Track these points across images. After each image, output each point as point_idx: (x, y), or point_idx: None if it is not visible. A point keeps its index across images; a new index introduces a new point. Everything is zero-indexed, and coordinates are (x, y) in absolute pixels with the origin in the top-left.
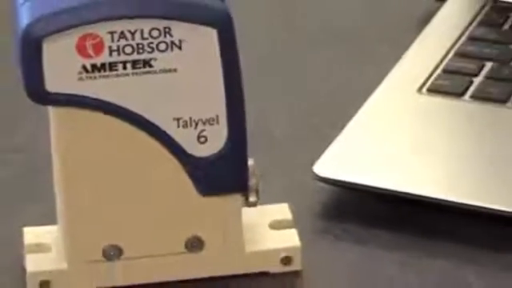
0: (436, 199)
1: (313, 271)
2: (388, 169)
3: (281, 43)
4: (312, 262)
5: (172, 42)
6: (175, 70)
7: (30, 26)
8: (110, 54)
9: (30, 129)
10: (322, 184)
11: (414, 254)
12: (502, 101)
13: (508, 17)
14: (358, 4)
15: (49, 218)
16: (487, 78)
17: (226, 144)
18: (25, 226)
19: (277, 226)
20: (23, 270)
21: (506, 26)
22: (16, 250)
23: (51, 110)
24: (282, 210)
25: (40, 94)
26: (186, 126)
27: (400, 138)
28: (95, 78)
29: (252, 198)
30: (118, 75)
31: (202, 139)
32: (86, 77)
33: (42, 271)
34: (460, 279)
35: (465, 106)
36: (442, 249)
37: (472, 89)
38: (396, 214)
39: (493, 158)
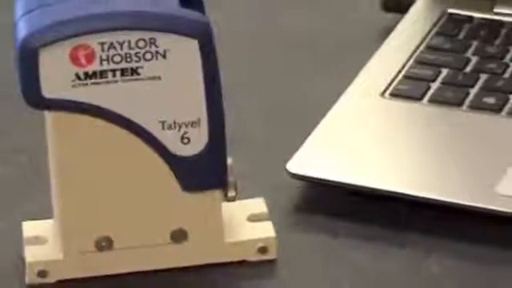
0: (399, 193)
1: (286, 260)
2: (355, 166)
3: (258, 52)
4: (286, 252)
5: (157, 52)
6: (160, 78)
7: (27, 37)
8: (101, 63)
9: (29, 130)
10: (294, 181)
11: (381, 245)
12: (457, 104)
13: (462, 27)
14: (327, 18)
15: (45, 213)
16: (443, 83)
17: (207, 144)
18: (24, 220)
19: (254, 218)
20: (23, 260)
21: (461, 36)
22: (16, 242)
23: (47, 114)
24: (258, 204)
25: (36, 100)
26: (171, 128)
27: (366, 138)
28: (87, 84)
29: (231, 194)
30: (108, 82)
31: (185, 140)
32: (79, 84)
33: (40, 261)
34: (424, 268)
35: (423, 109)
36: (407, 240)
37: (430, 93)
38: (362, 208)
39: (451, 156)
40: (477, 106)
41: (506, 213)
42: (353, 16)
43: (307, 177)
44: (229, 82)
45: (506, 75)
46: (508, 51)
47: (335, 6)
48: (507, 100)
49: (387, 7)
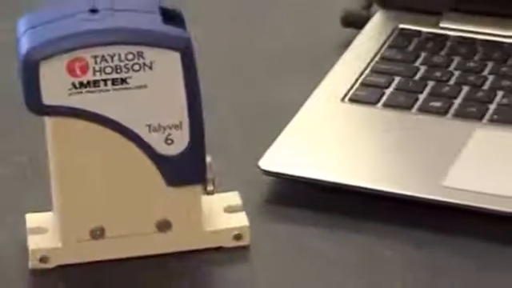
0: (359, 187)
1: (258, 246)
2: (319, 163)
3: (233, 64)
4: (257, 239)
5: (144, 64)
6: (146, 86)
7: (29, 51)
8: (94, 74)
9: (30, 133)
10: (265, 177)
11: (343, 233)
12: (408, 108)
13: (411, 41)
14: (295, 33)
15: (46, 207)
16: (396, 89)
17: (188, 145)
18: (27, 213)
19: (230, 210)
20: (26, 248)
21: (410, 48)
22: (20, 233)
23: (47, 119)
24: (233, 198)
25: (37, 107)
26: (156, 131)
27: (328, 138)
28: (82, 92)
29: (209, 188)
30: (100, 91)
31: (169, 141)
32: (75, 92)
33: (41, 249)
34: (379, 252)
35: (378, 112)
36: (366, 228)
37: (384, 98)
38: (326, 200)
39: (403, 153)
40: (425, 110)
41: (451, 203)
42: (317, 32)
43: (277, 173)
44: (208, 90)
45: (451, 82)
46: (452, 61)
47: (302, 23)
48: (451, 104)
49: (346, 23)
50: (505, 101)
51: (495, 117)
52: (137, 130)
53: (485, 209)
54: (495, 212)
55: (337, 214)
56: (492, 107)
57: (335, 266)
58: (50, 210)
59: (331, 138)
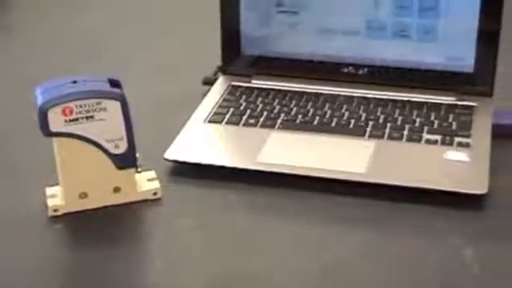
0: (216, 165)
1: (166, 198)
2: (196, 153)
3: (145, 107)
4: (165, 194)
5: (101, 108)
6: (104, 119)
7: (42, 104)
8: (76, 114)
9: (46, 147)
10: (168, 162)
11: (211, 189)
12: (237, 123)
13: (237, 90)
14: (181, 88)
15: (56, 183)
16: (231, 115)
17: (127, 148)
18: (46, 186)
19: (150, 180)
20: (46, 205)
21: (237, 94)
22: (43, 197)
23: (54, 139)
24: (151, 174)
25: (48, 133)
26: (110, 142)
27: (199, 141)
28: (71, 124)
29: (139, 169)
30: (80, 123)
31: (117, 147)
32: (67, 124)
33: (55, 205)
34: (224, 197)
35: (222, 127)
36: (224, 186)
37: (225, 119)
38: (203, 173)
39: (233, 146)
40: (246, 124)
41: (263, 171)
42: (189, 87)
43: (175, 160)
44: (135, 119)
45: (258, 110)
46: (258, 99)
47: (185, 81)
48: (259, 120)
49: (205, 83)
50: (285, 118)
51: (281, 126)
52: (100, 142)
53: (282, 173)
54: (290, 174)
55: (209, 180)
56: (279, 121)
57: (210, 208)
58: (58, 185)
59: (201, 140)
